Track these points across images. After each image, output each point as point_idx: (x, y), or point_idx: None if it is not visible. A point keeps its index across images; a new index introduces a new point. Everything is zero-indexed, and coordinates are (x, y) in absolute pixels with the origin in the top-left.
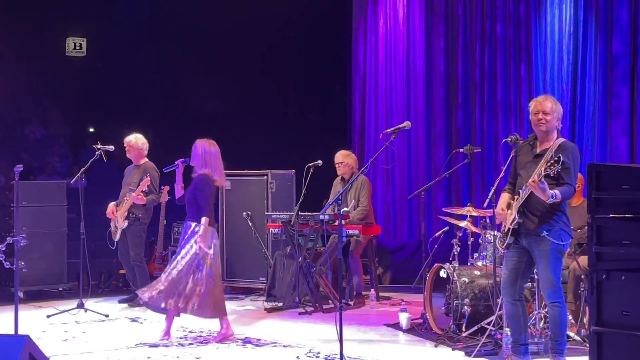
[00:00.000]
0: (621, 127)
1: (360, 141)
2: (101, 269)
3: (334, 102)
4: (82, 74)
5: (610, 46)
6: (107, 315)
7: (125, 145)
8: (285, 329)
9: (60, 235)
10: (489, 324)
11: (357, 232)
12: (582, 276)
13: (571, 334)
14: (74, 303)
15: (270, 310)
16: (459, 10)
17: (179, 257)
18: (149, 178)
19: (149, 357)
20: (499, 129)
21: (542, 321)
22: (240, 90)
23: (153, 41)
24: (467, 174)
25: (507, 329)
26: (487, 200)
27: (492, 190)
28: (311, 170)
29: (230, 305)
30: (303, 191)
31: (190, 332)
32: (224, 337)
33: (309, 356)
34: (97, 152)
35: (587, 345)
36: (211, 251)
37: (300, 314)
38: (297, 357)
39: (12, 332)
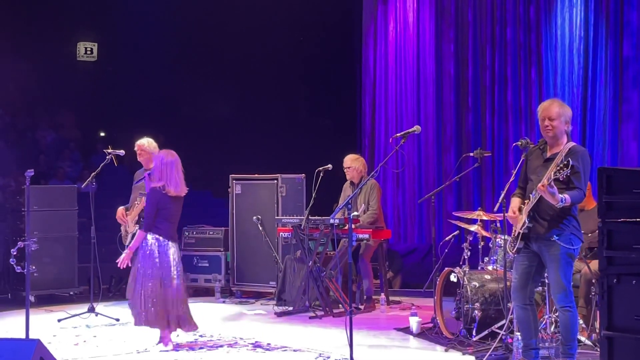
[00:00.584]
0: (632, 131)
1: (371, 145)
2: (112, 273)
3: (344, 107)
4: (93, 79)
5: (621, 50)
6: (117, 319)
7: (137, 149)
8: (295, 333)
9: (71, 239)
10: (499, 328)
11: (367, 236)
12: (593, 280)
13: (582, 339)
14: (84, 307)
15: (280, 315)
16: (469, 14)
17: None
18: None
19: None
20: (510, 133)
21: (553, 325)
22: (251, 95)
23: (164, 46)
24: (477, 178)
25: (518, 333)
26: (498, 204)
27: (503, 195)
28: (321, 175)
29: (240, 309)
30: (313, 195)
31: (201, 336)
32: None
33: None
34: (107, 157)
35: (598, 349)
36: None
37: (310, 318)
38: None
39: (23, 336)
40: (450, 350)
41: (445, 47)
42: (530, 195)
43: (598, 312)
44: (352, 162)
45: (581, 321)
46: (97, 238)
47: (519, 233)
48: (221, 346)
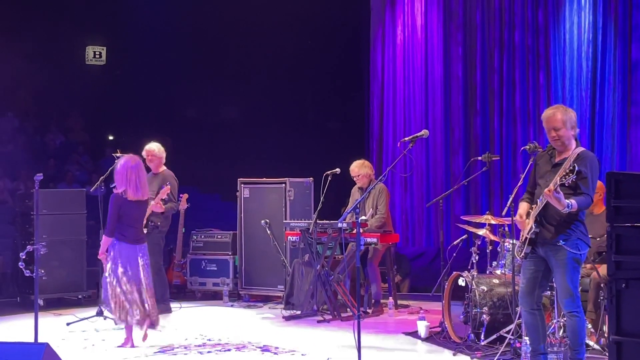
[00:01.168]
0: None
1: (379, 149)
2: None
3: (352, 110)
4: (101, 83)
5: (630, 53)
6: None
7: (146, 154)
8: (303, 337)
9: (80, 243)
10: (507, 332)
11: (375, 240)
12: (602, 285)
13: (591, 343)
14: (93, 310)
15: (288, 319)
16: (477, 18)
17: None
18: (168, 186)
19: None
20: (518, 137)
21: (561, 330)
22: (259, 99)
23: (172, 49)
24: (485, 181)
25: (526, 338)
26: (506, 208)
27: (511, 198)
28: (329, 178)
29: (248, 313)
30: (321, 199)
31: (209, 340)
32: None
33: None
34: (116, 160)
35: (607, 354)
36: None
37: (318, 322)
38: None
39: (32, 339)
40: (459, 354)
41: (454, 51)
42: (538, 200)
43: (607, 316)
44: (360, 169)
45: (590, 326)
46: None
47: (526, 238)
48: (229, 350)
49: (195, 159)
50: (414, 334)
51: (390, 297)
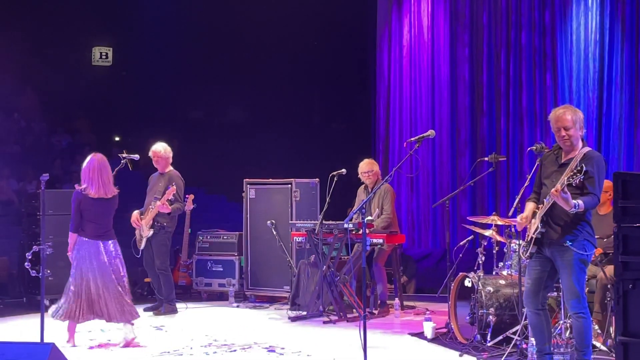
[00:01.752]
0: None
1: (385, 150)
2: None
3: (359, 111)
4: (108, 83)
5: (637, 54)
6: (132, 324)
7: (152, 155)
8: (309, 338)
9: None
10: (514, 333)
11: (381, 240)
12: (609, 286)
13: (597, 344)
14: None
15: (294, 319)
16: (484, 18)
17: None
18: (174, 187)
19: None
20: (524, 138)
21: (568, 331)
22: (265, 99)
23: (178, 50)
24: (492, 182)
25: (532, 339)
26: (512, 209)
27: (517, 199)
28: (335, 179)
29: (254, 314)
30: (327, 200)
31: (215, 340)
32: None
33: None
34: (122, 161)
35: (614, 355)
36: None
37: (324, 322)
38: None
39: (38, 340)
40: (465, 355)
41: (460, 51)
42: (544, 200)
43: (613, 317)
44: (372, 167)
45: (596, 327)
46: None
47: (531, 238)
48: (235, 350)
49: (202, 159)
50: (420, 335)
51: (397, 298)
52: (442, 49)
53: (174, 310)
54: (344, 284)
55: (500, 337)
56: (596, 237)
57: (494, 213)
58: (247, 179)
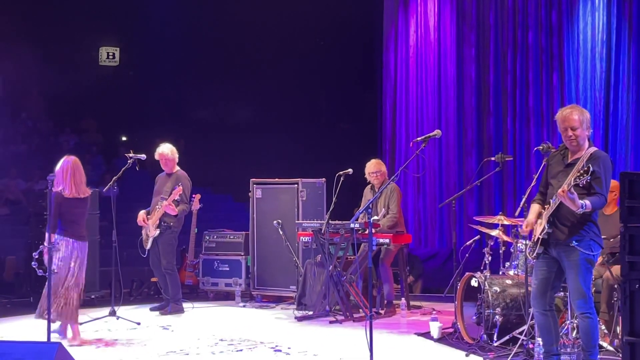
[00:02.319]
0: None
1: (391, 149)
2: (133, 277)
3: (365, 111)
4: (115, 83)
5: None
6: (138, 323)
7: (159, 158)
8: (315, 338)
9: (93, 243)
10: (520, 333)
11: (387, 240)
12: (615, 286)
13: (604, 344)
14: (106, 311)
15: (300, 319)
16: (491, 18)
17: None
18: (181, 187)
19: None
20: (531, 137)
21: (575, 331)
22: (271, 99)
23: (185, 50)
24: (498, 182)
25: (539, 339)
26: (519, 209)
27: (524, 199)
28: (342, 179)
29: (261, 314)
30: (334, 199)
31: (222, 340)
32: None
33: None
34: (129, 161)
35: (621, 355)
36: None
37: (330, 322)
38: None
39: (45, 339)
40: (471, 355)
41: (467, 51)
42: (551, 200)
43: (620, 317)
44: (380, 167)
45: (603, 327)
46: (118, 242)
47: (538, 238)
48: (241, 350)
49: (208, 159)
50: (427, 335)
51: (403, 298)
52: (448, 49)
53: (180, 310)
54: (351, 283)
55: (507, 337)
56: (602, 237)
57: (500, 213)
58: (254, 179)
